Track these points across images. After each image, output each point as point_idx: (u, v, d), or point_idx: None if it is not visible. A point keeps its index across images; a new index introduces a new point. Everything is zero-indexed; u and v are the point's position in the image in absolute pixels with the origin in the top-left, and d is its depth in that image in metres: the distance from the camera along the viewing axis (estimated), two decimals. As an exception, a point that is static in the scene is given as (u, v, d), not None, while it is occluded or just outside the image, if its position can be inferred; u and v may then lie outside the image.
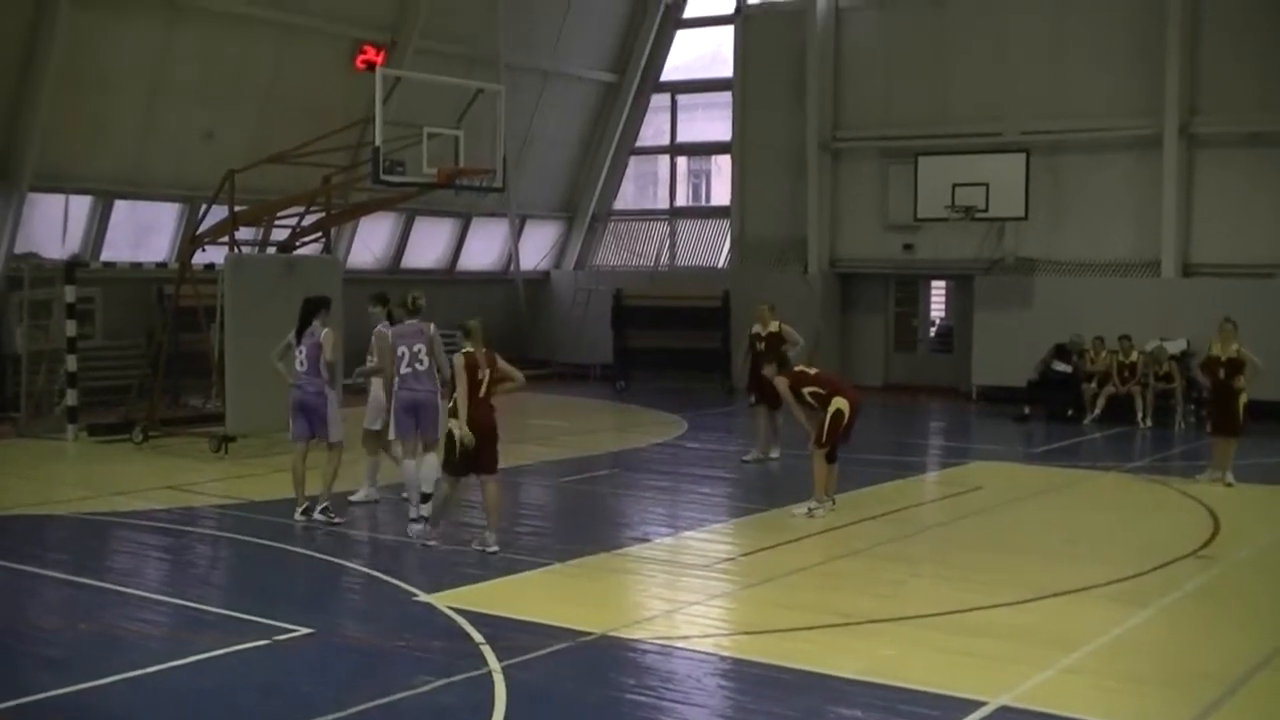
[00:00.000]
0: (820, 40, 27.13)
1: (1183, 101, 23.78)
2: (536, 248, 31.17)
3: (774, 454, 17.44)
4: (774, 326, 17.44)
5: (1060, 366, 22.79)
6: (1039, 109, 25.17)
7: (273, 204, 19.42)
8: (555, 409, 23.99)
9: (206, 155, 22.43)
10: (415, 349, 12.96)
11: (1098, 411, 22.17)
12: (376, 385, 13.69)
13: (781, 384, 13.88)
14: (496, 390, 11.86)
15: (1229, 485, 15.23)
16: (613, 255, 32.04)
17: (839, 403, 13.60)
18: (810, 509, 13.55)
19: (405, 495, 13.15)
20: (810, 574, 11.20)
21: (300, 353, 13.04)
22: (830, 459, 13.78)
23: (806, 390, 13.72)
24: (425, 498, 12.65)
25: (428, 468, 12.77)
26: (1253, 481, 15.52)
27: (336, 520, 12.94)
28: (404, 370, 12.91)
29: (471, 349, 11.82)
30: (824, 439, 13.60)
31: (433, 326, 13.19)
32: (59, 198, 22.26)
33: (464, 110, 18.58)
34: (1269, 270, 23.20)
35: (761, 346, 17.41)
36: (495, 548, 11.72)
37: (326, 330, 13.09)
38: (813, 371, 14.08)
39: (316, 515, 12.96)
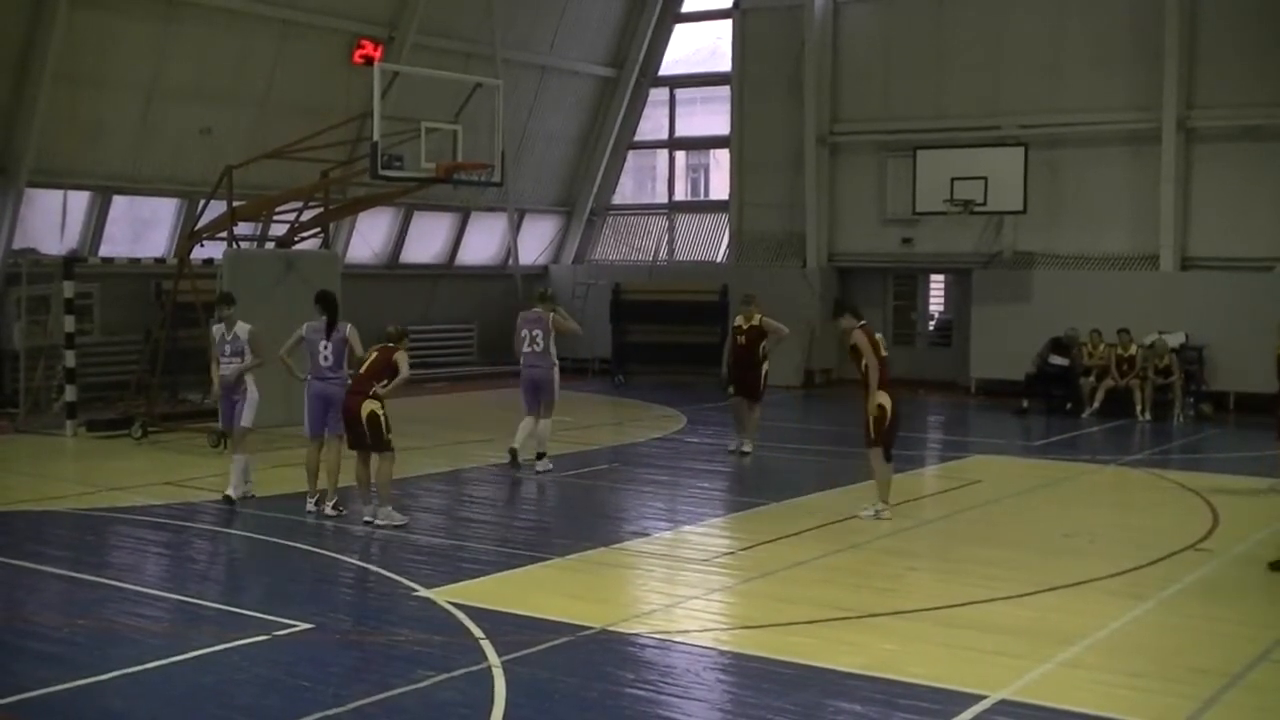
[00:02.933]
0: (818, 34, 27.13)
1: (1180, 96, 23.78)
2: (535, 242, 31.16)
3: (746, 447, 17.42)
4: (756, 319, 17.38)
5: (1057, 360, 22.79)
6: (1037, 103, 25.18)
7: (271, 199, 19.44)
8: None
9: (205, 151, 22.45)
10: (534, 333, 15.73)
11: (1096, 405, 22.17)
12: (252, 383, 13.96)
13: (861, 337, 13.12)
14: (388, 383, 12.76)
15: None
16: (611, 249, 32.04)
17: (881, 398, 13.09)
18: (878, 510, 13.16)
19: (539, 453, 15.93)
20: (809, 568, 11.20)
21: (327, 348, 13.16)
22: (887, 458, 13.34)
23: (865, 358, 13.05)
24: (540, 455, 15.78)
25: (544, 429, 15.84)
26: (1250, 474, 15.51)
27: (343, 511, 13.06)
28: (524, 350, 15.80)
29: (390, 345, 12.92)
30: (874, 437, 13.16)
31: (552, 316, 15.86)
32: (57, 193, 22.25)
33: (462, 105, 18.59)
34: (1267, 263, 23.20)
35: (743, 340, 17.39)
36: (381, 520, 12.65)
37: (350, 326, 13.33)
38: (884, 353, 13.31)
39: (328, 509, 13.09)
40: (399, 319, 13.30)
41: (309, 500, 13.29)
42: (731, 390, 17.59)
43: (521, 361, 15.99)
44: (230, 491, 13.72)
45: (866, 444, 13.32)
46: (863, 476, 15.41)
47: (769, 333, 17.35)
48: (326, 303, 13.36)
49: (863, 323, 13.32)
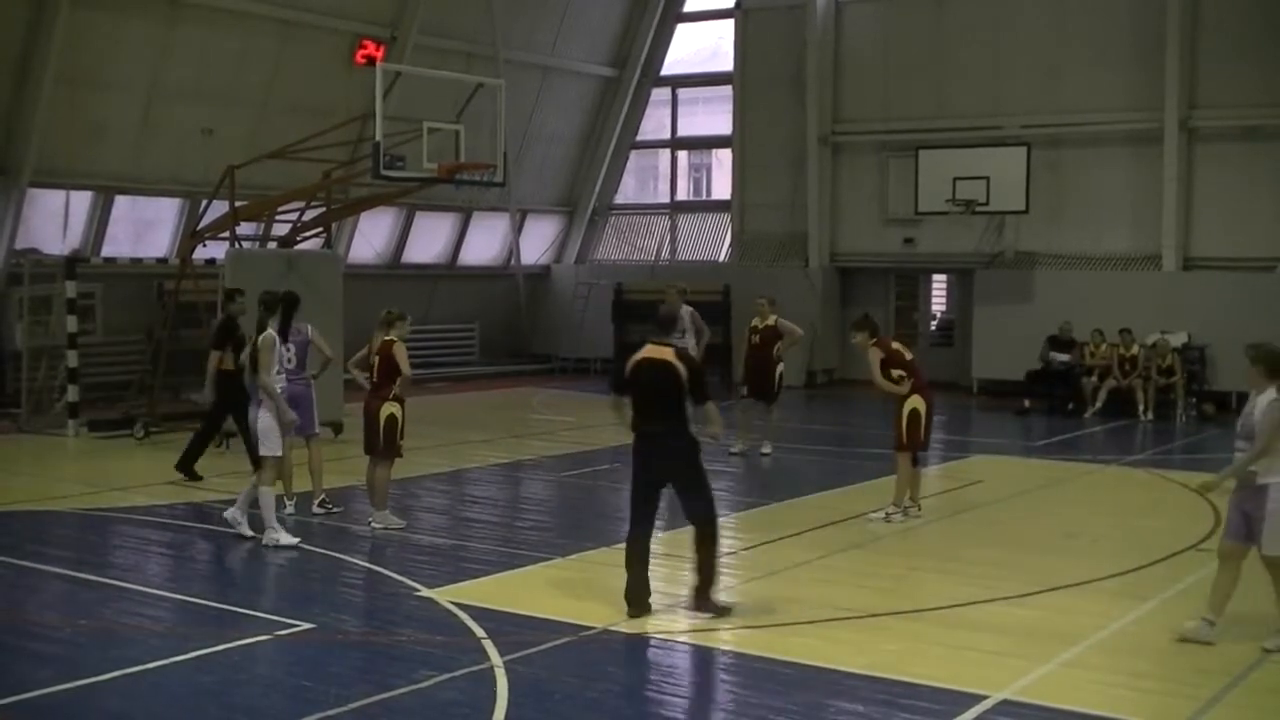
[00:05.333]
0: (820, 33, 27.11)
1: (1182, 96, 23.76)
2: (537, 242, 31.16)
3: (766, 449, 17.40)
4: (771, 320, 17.39)
5: (1059, 357, 22.81)
6: (1039, 103, 25.16)
7: (273, 199, 19.44)
8: (556, 403, 24.00)
9: (207, 151, 22.43)
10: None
11: (1099, 405, 22.17)
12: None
13: (875, 355, 13.09)
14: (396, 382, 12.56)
15: None
16: (613, 249, 32.04)
17: (915, 402, 12.98)
18: (888, 514, 13.09)
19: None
20: (811, 568, 11.20)
21: (289, 350, 13.14)
22: (913, 461, 13.25)
23: (895, 372, 13.04)
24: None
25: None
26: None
27: (332, 509, 13.05)
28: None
29: (386, 338, 12.58)
30: (904, 441, 13.04)
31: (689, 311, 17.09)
32: (59, 193, 22.27)
33: (464, 105, 18.59)
34: (1269, 263, 23.18)
35: (757, 340, 17.39)
36: (377, 524, 12.52)
37: (312, 327, 13.30)
38: (909, 356, 13.27)
39: (314, 508, 13.08)
40: (393, 307, 13.06)
41: (287, 503, 13.22)
42: (745, 392, 17.62)
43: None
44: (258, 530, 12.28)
45: (895, 446, 13.20)
46: (865, 476, 15.48)
47: (784, 334, 17.36)
48: (284, 305, 13.16)
49: (875, 340, 13.18)
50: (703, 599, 9.66)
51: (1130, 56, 24.48)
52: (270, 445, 12.09)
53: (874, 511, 13.29)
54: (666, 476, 9.72)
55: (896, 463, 13.27)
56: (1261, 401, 8.90)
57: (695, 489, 9.76)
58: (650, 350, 9.79)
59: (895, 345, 13.34)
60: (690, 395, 9.63)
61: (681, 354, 9.84)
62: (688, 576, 11.00)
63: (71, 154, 21.72)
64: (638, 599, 9.59)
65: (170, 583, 10.83)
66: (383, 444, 12.52)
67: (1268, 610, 9.59)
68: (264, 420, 12.12)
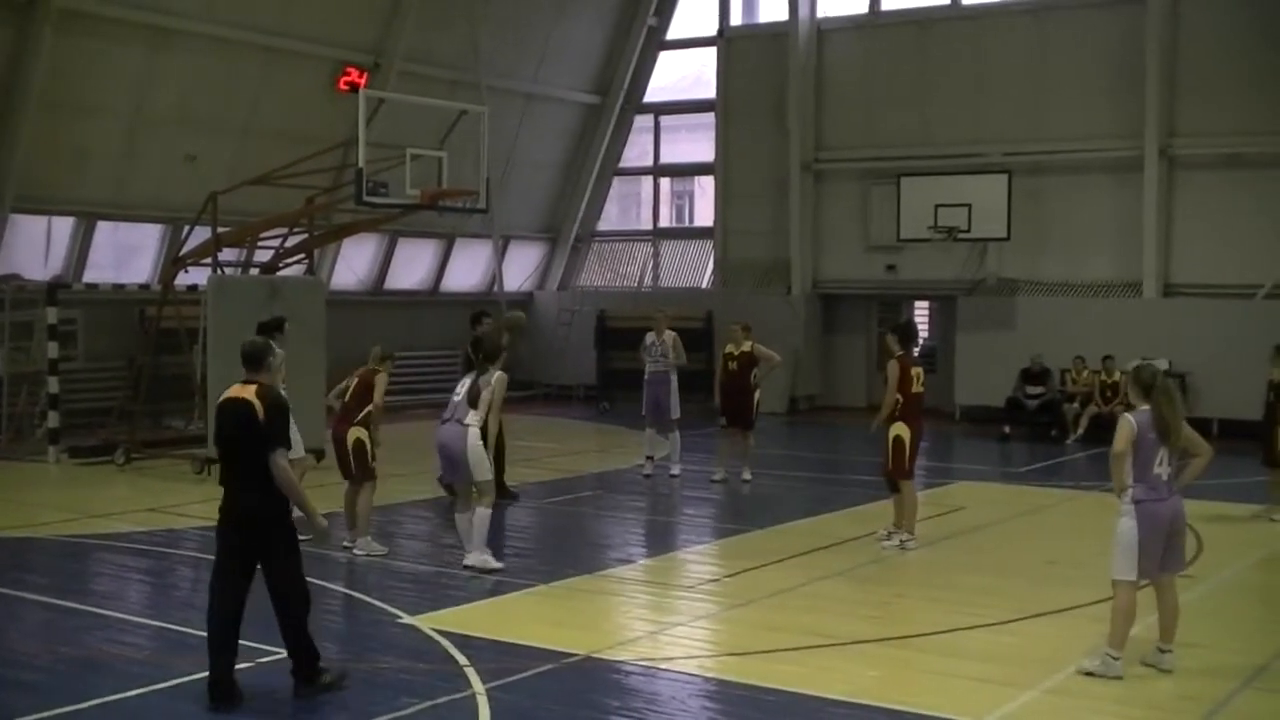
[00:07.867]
0: (802, 62, 27.24)
1: (1162, 124, 23.90)
2: (520, 269, 31.17)
3: (746, 476, 17.35)
4: (746, 346, 17.32)
5: (1032, 390, 22.89)
6: (1021, 130, 25.29)
7: (256, 225, 19.40)
8: (539, 430, 23.96)
9: (189, 177, 22.39)
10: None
11: (1080, 432, 22.22)
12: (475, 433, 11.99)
13: (894, 368, 12.89)
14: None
15: (1274, 521, 14.64)
16: (596, 276, 32.05)
17: (899, 429, 12.91)
18: (903, 540, 13.03)
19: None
20: (794, 595, 11.19)
21: None
22: (893, 489, 13.19)
23: (888, 390, 12.93)
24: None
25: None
26: (1233, 501, 15.52)
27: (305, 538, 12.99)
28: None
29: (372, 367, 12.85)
30: (890, 466, 13.03)
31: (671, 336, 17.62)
32: (41, 219, 22.22)
33: (447, 132, 18.59)
34: (1249, 290, 23.30)
35: (734, 367, 17.33)
36: (359, 550, 12.58)
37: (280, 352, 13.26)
38: (914, 389, 12.95)
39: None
40: (383, 345, 13.19)
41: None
42: (724, 421, 17.53)
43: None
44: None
45: (885, 472, 13.18)
46: (848, 503, 15.47)
47: (760, 360, 17.31)
48: (257, 330, 13.23)
49: (900, 353, 13.07)
50: (302, 686, 8.37)
51: (1111, 85, 24.63)
52: (484, 469, 11.85)
53: (886, 542, 13.18)
54: (245, 541, 8.42)
55: (900, 490, 13.13)
56: None
57: (277, 559, 8.45)
58: (233, 389, 8.48)
59: (914, 371, 13.07)
60: (266, 441, 8.15)
61: (264, 392, 8.31)
62: (672, 603, 11.01)
63: (55, 180, 21.67)
64: (223, 692, 8.14)
65: (151, 610, 10.77)
66: (356, 468, 12.59)
67: (1252, 638, 9.61)
68: (479, 447, 11.85)
